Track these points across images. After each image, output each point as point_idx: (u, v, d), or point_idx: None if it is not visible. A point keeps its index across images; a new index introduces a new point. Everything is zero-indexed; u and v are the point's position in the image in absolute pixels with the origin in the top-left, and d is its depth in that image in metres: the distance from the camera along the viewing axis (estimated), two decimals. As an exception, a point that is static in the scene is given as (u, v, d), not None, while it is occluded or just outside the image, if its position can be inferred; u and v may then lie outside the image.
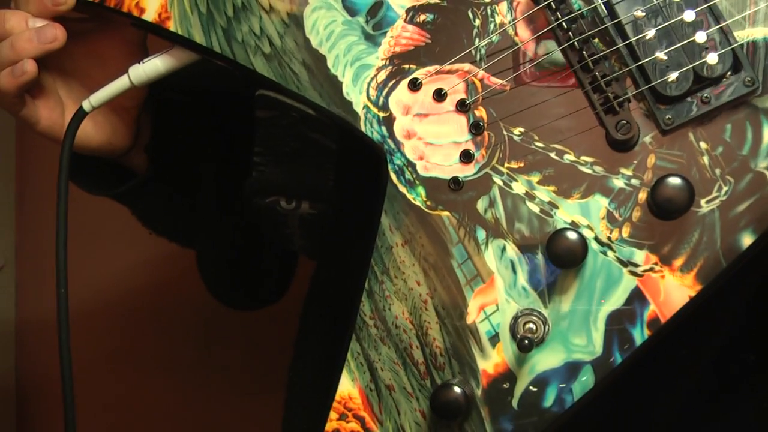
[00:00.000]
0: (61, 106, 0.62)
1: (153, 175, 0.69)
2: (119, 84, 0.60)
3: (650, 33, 0.48)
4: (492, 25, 0.52)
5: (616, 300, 0.49)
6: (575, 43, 0.49)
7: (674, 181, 0.47)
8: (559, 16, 0.49)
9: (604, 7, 0.49)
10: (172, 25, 0.57)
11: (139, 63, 0.60)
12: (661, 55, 0.48)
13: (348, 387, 0.53)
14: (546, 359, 0.50)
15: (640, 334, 0.49)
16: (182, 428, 1.20)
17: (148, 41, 0.65)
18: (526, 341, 0.48)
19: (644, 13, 0.48)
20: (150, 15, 0.57)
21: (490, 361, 0.50)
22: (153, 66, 0.60)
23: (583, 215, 0.50)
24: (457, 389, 0.49)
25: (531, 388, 0.50)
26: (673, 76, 0.48)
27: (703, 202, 0.48)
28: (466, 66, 0.52)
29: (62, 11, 0.58)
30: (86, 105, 0.60)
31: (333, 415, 0.53)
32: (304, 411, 0.70)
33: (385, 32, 0.53)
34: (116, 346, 1.18)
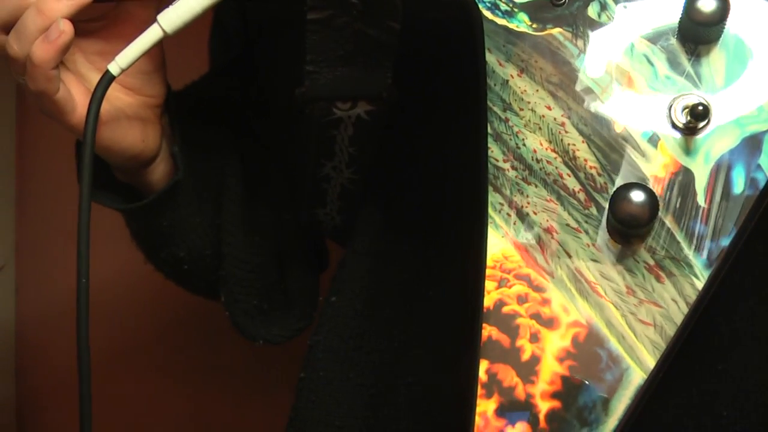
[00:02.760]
0: (73, 99, 0.56)
1: (181, 180, 0.62)
2: (149, 36, 0.54)
3: None
4: None
5: (773, 57, 0.44)
6: None
7: None
8: None
9: None
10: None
11: (167, 7, 0.55)
12: None
13: (500, 246, 0.44)
14: (719, 142, 0.43)
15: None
16: (183, 428, 1.20)
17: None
18: (701, 107, 0.42)
19: None
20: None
21: (658, 163, 0.44)
22: (186, 4, 0.54)
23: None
24: (635, 192, 0.42)
25: (713, 177, 0.43)
26: None
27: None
28: None
29: None
30: (113, 68, 0.53)
31: (490, 285, 0.44)
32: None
33: None
34: (116, 346, 1.17)
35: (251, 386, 1.15)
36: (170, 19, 0.54)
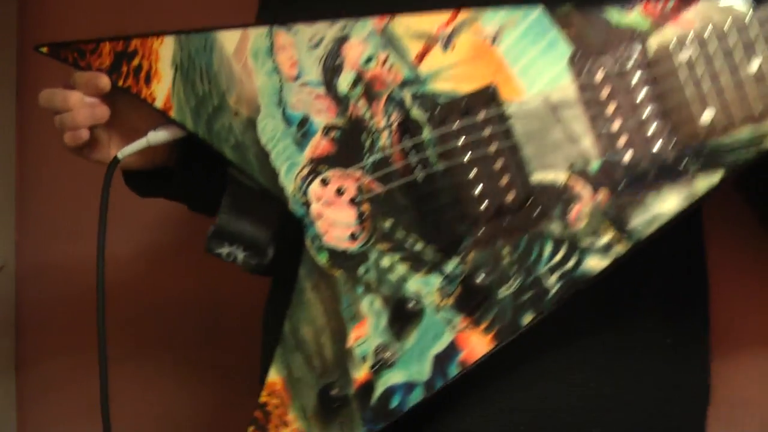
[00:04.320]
0: (106, 147, 0.89)
1: (184, 167, 0.93)
2: (141, 142, 0.86)
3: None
4: (377, 146, 0.74)
5: (440, 345, 0.73)
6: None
7: (480, 276, 0.70)
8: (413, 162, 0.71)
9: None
10: (173, 114, 0.81)
11: (154, 130, 0.85)
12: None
13: (274, 377, 0.79)
14: (394, 377, 0.75)
15: (453, 369, 0.73)
16: (181, 426, 1.23)
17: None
18: (377, 366, 0.73)
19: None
20: (159, 103, 0.82)
21: (360, 373, 0.76)
22: (162, 134, 0.85)
23: (425, 286, 0.73)
24: (332, 392, 0.76)
25: (384, 393, 0.75)
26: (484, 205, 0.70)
27: (502, 289, 0.71)
28: (359, 173, 0.75)
29: (105, 92, 0.83)
30: (120, 155, 0.86)
31: (263, 393, 0.80)
32: None
33: (309, 140, 0.76)
34: (116, 345, 1.14)
35: (253, 386, 1.11)
36: (152, 138, 0.85)
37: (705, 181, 0.66)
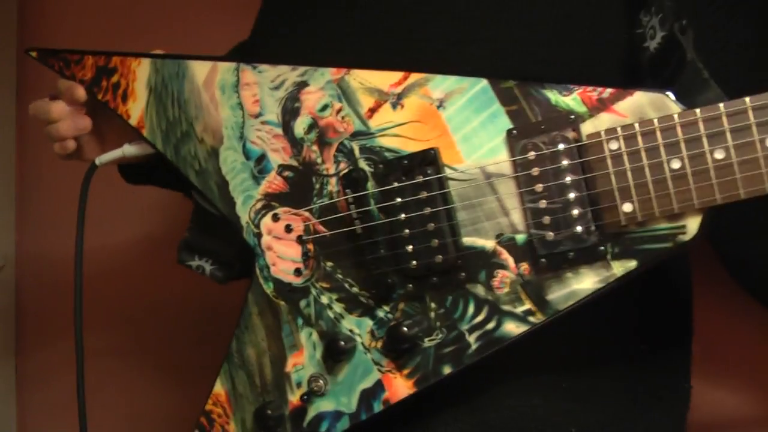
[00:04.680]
0: (94, 152, 0.93)
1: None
2: (117, 152, 0.91)
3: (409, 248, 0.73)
4: (325, 191, 0.78)
5: (368, 382, 0.78)
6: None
7: (407, 326, 0.74)
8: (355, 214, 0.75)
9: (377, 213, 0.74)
10: (145, 132, 0.86)
11: (129, 143, 0.90)
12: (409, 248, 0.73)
13: (219, 389, 0.85)
14: (324, 405, 0.80)
15: (378, 406, 0.78)
16: (179, 426, 1.19)
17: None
18: (306, 397, 0.79)
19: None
20: (133, 120, 0.86)
21: (295, 397, 0.81)
22: (136, 149, 0.89)
23: (357, 327, 0.78)
24: (268, 411, 0.81)
25: (314, 418, 0.81)
26: (413, 263, 0.73)
27: (427, 340, 0.75)
28: (307, 214, 0.79)
29: (81, 102, 0.88)
30: (98, 161, 0.92)
31: (209, 402, 0.86)
32: None
33: (265, 176, 0.80)
34: (115, 344, 1.22)
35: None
36: (127, 150, 0.90)
37: (622, 267, 0.69)
